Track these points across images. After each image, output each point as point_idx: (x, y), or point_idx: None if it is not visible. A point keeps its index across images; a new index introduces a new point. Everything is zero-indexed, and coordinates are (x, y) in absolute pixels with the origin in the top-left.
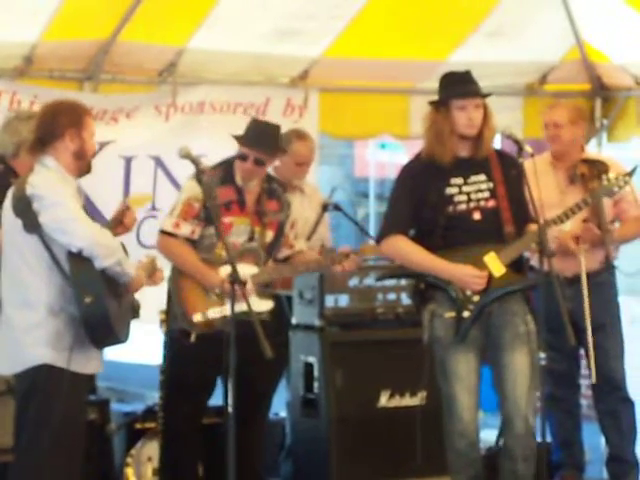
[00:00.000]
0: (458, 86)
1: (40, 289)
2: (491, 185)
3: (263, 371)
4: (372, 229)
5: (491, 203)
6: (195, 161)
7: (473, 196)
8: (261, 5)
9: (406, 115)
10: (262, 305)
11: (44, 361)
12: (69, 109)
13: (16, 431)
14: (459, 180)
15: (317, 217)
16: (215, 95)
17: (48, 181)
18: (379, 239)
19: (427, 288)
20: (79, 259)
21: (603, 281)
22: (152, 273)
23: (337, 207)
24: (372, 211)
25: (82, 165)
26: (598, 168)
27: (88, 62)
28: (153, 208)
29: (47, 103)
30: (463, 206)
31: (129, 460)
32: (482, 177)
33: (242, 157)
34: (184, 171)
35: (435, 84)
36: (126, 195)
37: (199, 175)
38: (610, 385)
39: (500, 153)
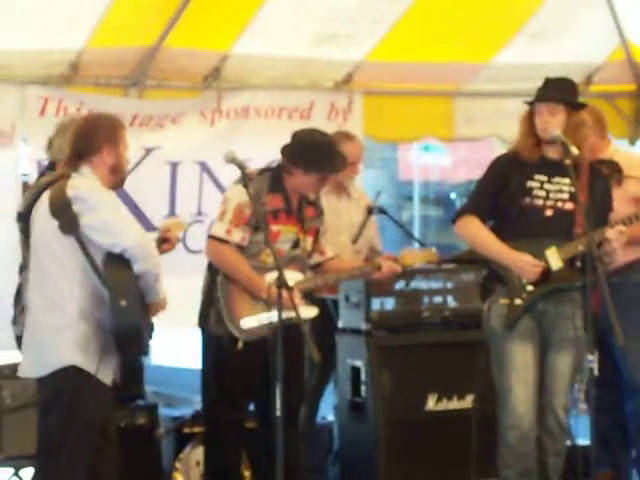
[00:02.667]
0: (542, 91)
1: (72, 292)
2: (573, 190)
3: (308, 375)
4: (417, 232)
5: (568, 205)
6: (241, 166)
7: (552, 195)
8: (304, 9)
9: (450, 117)
10: (307, 312)
11: (73, 363)
12: (107, 124)
13: (39, 438)
14: (543, 177)
15: (363, 220)
16: (260, 100)
17: (90, 185)
18: (455, 218)
19: (489, 280)
20: (116, 263)
21: (619, 282)
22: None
23: (382, 210)
24: (417, 214)
25: (117, 179)
26: (610, 168)
27: (133, 68)
28: (199, 213)
29: (84, 117)
30: (540, 201)
31: (178, 465)
32: (566, 180)
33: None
34: (230, 176)
35: (479, 86)
36: (172, 200)
37: (245, 180)
38: (630, 387)
39: (593, 164)
